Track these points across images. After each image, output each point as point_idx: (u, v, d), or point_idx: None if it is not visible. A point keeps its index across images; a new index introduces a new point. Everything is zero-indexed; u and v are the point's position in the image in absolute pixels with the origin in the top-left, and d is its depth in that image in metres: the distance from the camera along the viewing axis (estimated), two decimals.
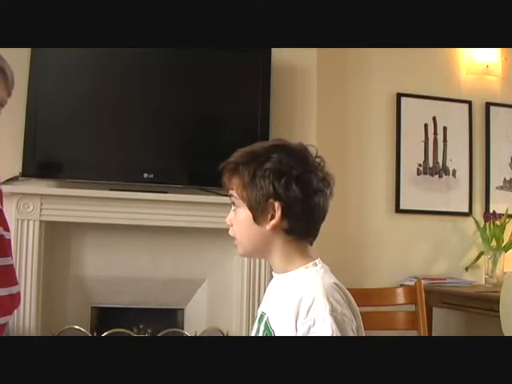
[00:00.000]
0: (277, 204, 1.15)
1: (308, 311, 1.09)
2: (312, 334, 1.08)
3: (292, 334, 1.10)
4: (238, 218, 1.20)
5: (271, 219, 1.16)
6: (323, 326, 1.07)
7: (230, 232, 1.23)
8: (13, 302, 1.46)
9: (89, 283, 2.81)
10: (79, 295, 2.79)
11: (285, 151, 1.18)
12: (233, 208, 1.22)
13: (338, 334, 1.06)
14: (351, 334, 1.08)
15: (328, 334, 1.06)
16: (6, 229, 1.48)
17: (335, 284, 1.14)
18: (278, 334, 1.14)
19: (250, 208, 1.17)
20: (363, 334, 1.14)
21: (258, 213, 1.16)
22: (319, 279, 1.13)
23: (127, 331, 2.67)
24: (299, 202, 1.15)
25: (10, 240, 1.51)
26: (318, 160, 1.20)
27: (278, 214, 1.15)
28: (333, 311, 1.07)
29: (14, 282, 1.47)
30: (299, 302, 1.10)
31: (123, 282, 2.81)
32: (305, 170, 1.16)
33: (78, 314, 2.77)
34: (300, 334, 1.09)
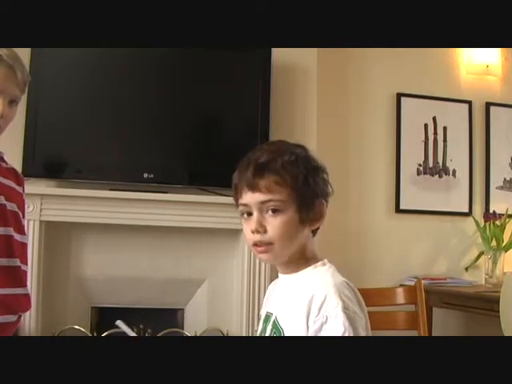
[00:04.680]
0: (324, 202, 1.17)
1: (320, 308, 1.08)
2: (324, 330, 1.08)
3: (303, 331, 1.10)
4: (283, 222, 1.13)
5: (317, 218, 1.17)
6: (336, 323, 1.07)
7: (263, 238, 1.13)
8: (18, 302, 1.47)
9: (89, 283, 2.81)
10: (79, 295, 2.79)
11: (306, 150, 1.20)
12: (269, 213, 1.13)
13: (351, 331, 1.06)
14: (362, 332, 1.09)
15: (340, 330, 1.06)
16: (20, 231, 1.49)
17: (345, 282, 1.14)
18: (287, 332, 1.14)
19: (300, 209, 1.14)
20: (370, 332, 1.15)
21: (308, 214, 1.15)
22: (330, 277, 1.14)
23: None
24: (329, 197, 1.19)
25: (24, 244, 1.52)
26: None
27: (325, 212, 1.17)
28: (345, 308, 1.07)
29: (20, 284, 1.48)
30: (311, 299, 1.10)
31: (123, 282, 2.82)
32: (324, 166, 1.20)
33: (78, 314, 2.77)
34: (311, 331, 1.09)
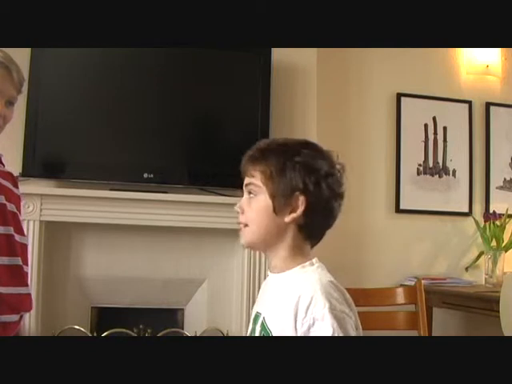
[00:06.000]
0: (302, 198, 1.16)
1: (307, 310, 1.08)
2: (312, 333, 1.07)
3: (291, 334, 1.09)
4: (256, 206, 1.18)
5: (291, 212, 1.16)
6: (323, 325, 1.06)
7: (242, 219, 1.20)
8: (21, 301, 1.47)
9: (89, 283, 2.81)
10: (79, 295, 2.79)
11: (315, 149, 1.22)
12: (249, 195, 1.20)
13: (340, 332, 1.05)
14: (351, 331, 1.08)
15: (329, 332, 1.05)
16: (19, 232, 1.50)
17: (331, 282, 1.13)
18: (275, 334, 1.14)
19: (273, 197, 1.16)
20: (361, 331, 1.14)
21: (281, 204, 1.16)
22: (316, 278, 1.13)
23: (127, 331, 2.67)
24: (324, 201, 1.18)
25: (23, 244, 1.53)
26: (338, 166, 1.24)
27: (302, 208, 1.16)
28: (332, 309, 1.07)
29: (22, 283, 1.48)
30: (297, 301, 1.09)
31: (123, 282, 2.81)
32: (332, 173, 1.21)
33: (78, 314, 2.77)
34: (300, 333, 1.08)
